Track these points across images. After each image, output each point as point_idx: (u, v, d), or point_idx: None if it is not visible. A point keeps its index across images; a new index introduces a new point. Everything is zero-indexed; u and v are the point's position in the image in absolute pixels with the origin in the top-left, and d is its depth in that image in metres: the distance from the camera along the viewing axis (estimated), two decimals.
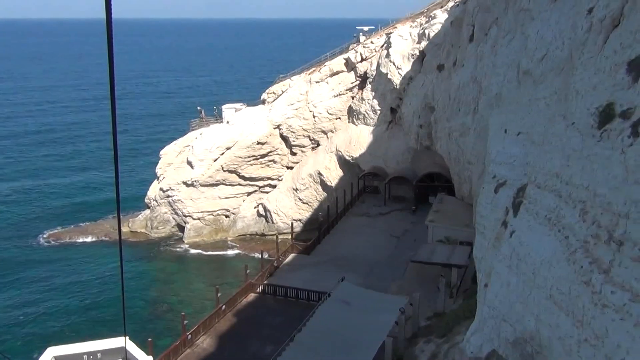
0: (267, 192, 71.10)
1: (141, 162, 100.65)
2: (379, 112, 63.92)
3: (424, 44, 58.21)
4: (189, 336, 34.27)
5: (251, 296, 41.02)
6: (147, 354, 26.02)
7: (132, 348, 24.00)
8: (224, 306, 37.86)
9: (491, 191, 21.96)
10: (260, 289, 41.28)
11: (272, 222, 68.69)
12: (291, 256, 47.74)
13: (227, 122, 68.08)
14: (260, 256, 48.49)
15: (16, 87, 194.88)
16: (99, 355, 23.98)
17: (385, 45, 62.29)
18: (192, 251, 66.58)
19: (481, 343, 16.03)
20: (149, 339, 31.62)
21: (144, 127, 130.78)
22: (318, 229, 52.23)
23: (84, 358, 23.79)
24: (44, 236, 69.46)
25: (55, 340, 36.86)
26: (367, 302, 36.97)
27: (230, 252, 66.12)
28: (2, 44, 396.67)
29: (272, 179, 70.48)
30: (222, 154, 66.52)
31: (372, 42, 64.36)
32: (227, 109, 70.64)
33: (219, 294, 38.14)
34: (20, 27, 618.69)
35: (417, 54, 59.30)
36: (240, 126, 66.45)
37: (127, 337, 23.45)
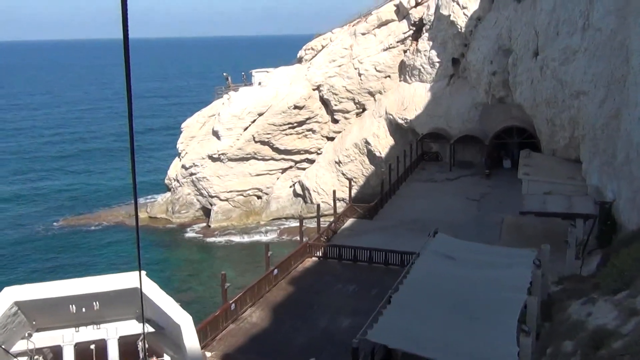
0: (304, 169, 61.68)
1: (160, 148, 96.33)
2: (437, 65, 54.26)
3: None
4: (233, 306, 24.72)
5: (308, 261, 31.66)
6: None
7: (151, 289, 14.46)
8: (276, 270, 28.34)
9: None
10: (320, 252, 31.77)
11: (312, 201, 59.13)
12: (350, 221, 38.20)
13: (259, 84, 58.90)
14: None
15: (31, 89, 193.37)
16: (95, 303, 14.28)
17: None
18: (220, 237, 57.46)
19: None
20: None
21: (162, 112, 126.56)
22: (380, 191, 42.50)
23: (71, 308, 14.17)
24: (57, 223, 62.83)
25: None
26: (478, 256, 27.02)
27: (264, 238, 56.46)
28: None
29: (311, 152, 61.01)
30: (254, 121, 57.23)
31: None
32: (258, 73, 61.61)
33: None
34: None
35: None
36: (274, 88, 57.20)
37: (145, 274, 13.46)
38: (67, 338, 15.42)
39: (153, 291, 14.27)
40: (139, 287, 13.15)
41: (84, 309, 14.72)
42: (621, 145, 28.27)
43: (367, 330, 18.35)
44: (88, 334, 15.68)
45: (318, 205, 39.03)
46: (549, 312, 22.39)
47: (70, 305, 14.21)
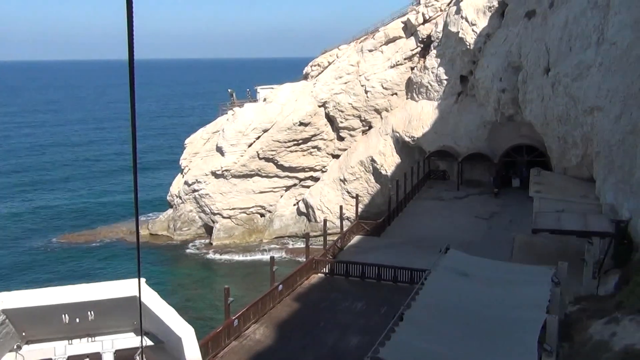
0: (308, 187, 60.71)
1: (162, 167, 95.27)
2: (445, 82, 53.52)
3: None
4: (236, 322, 23.59)
5: (314, 278, 30.52)
6: None
7: (151, 298, 13.36)
8: (280, 286, 27.22)
9: None
10: (327, 268, 30.65)
11: (316, 220, 58.10)
12: (357, 238, 37.09)
13: (264, 100, 58.16)
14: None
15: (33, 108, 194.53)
16: (90, 313, 13.14)
17: (454, 0, 52.30)
18: (222, 255, 56.41)
19: None
20: None
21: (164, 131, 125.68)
22: (387, 208, 41.45)
23: (64, 318, 13.02)
24: (57, 239, 61.90)
25: None
26: (492, 273, 25.89)
27: (266, 256, 55.21)
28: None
29: (315, 170, 60.09)
30: (258, 137, 56.46)
31: (436, 0, 54.45)
32: (263, 89, 60.93)
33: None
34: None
35: (496, 5, 49.25)
36: (279, 104, 56.52)
37: (144, 281, 12.29)
38: (59, 351, 14.30)
39: (153, 301, 13.15)
40: (137, 295, 12.15)
41: (77, 319, 13.61)
42: (639, 161, 27.36)
43: (379, 348, 17.25)
44: (82, 347, 14.56)
45: (325, 220, 38.00)
46: (567, 332, 21.35)
47: (63, 315, 13.10)
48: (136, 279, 13.60)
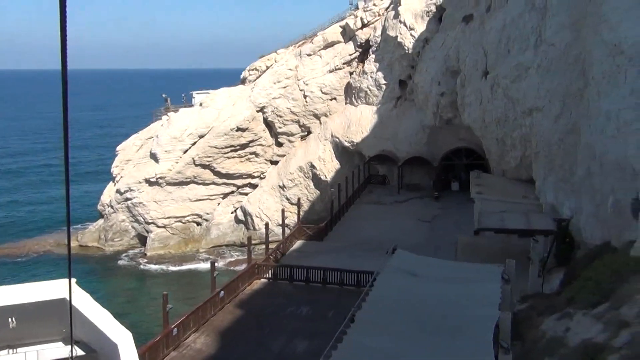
0: (246, 194, 59.28)
1: (91, 178, 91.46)
2: (384, 87, 53.38)
3: None
4: (175, 331, 22.08)
5: (257, 283, 29.25)
6: None
7: (82, 301, 11.91)
8: (222, 292, 25.83)
9: None
10: (270, 273, 29.45)
11: (254, 228, 56.72)
12: (299, 242, 36.03)
13: (200, 105, 56.48)
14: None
15: None
16: (11, 320, 11.49)
17: (393, 5, 52.31)
18: (156, 265, 54.14)
19: None
20: None
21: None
22: (329, 212, 40.66)
23: None
24: None
25: None
26: (441, 272, 25.47)
27: (203, 266, 53.49)
28: None
29: (253, 177, 58.75)
30: (194, 143, 54.69)
31: (374, 5, 54.32)
32: (199, 94, 59.24)
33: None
34: None
35: (434, 10, 49.51)
36: (216, 109, 54.97)
37: (75, 282, 10.73)
38: None
39: (85, 303, 11.65)
40: (67, 298, 10.71)
41: None
42: (581, 159, 27.48)
43: (332, 351, 16.26)
44: None
45: (267, 224, 36.82)
46: (517, 330, 20.92)
47: None
48: (65, 279, 12.13)
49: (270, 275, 29.98)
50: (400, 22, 50.62)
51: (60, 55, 3.88)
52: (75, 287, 12.12)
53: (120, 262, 55.22)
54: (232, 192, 59.16)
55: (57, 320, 12.18)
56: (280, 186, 56.93)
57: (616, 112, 22.83)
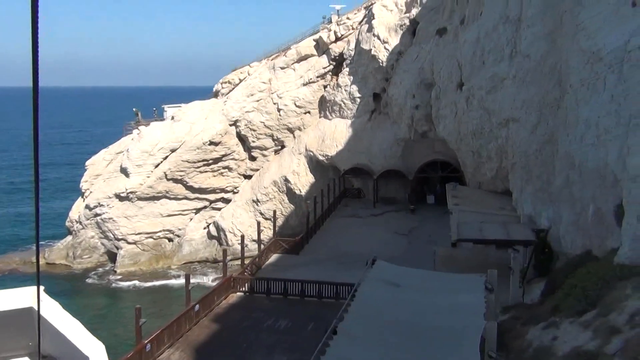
0: (219, 209, 58.32)
1: (60, 193, 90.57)
2: (358, 100, 53.19)
3: (415, 11, 48.70)
4: (148, 346, 21.17)
5: (233, 297, 28.43)
6: None
7: (51, 310, 11.06)
8: (197, 306, 24.97)
9: None
10: (246, 286, 28.64)
11: (227, 244, 55.72)
12: (275, 256, 35.29)
13: (172, 119, 55.57)
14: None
15: None
16: None
17: (366, 19, 52.32)
18: (127, 283, 52.84)
19: None
20: None
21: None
22: (305, 226, 40.03)
23: None
24: None
25: None
26: (423, 282, 24.98)
27: (175, 282, 52.35)
28: None
29: (226, 191, 57.87)
30: (166, 157, 53.69)
31: (348, 19, 54.30)
32: (170, 108, 58.35)
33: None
34: None
35: (407, 24, 49.62)
36: (188, 123, 54.10)
37: (43, 289, 9.92)
38: None
39: (54, 313, 10.81)
40: (35, 307, 9.96)
41: None
42: (559, 168, 27.40)
43: None
44: None
45: (242, 236, 36.11)
46: (501, 341, 20.49)
47: None
48: (33, 287, 11.32)
49: (246, 289, 29.21)
50: (374, 35, 50.61)
51: (32, 72, 3.86)
52: (44, 296, 11.24)
53: (89, 280, 53.67)
54: (205, 207, 58.19)
55: (23, 331, 11.27)
56: (254, 200, 56.17)
57: (595, 119, 22.75)
